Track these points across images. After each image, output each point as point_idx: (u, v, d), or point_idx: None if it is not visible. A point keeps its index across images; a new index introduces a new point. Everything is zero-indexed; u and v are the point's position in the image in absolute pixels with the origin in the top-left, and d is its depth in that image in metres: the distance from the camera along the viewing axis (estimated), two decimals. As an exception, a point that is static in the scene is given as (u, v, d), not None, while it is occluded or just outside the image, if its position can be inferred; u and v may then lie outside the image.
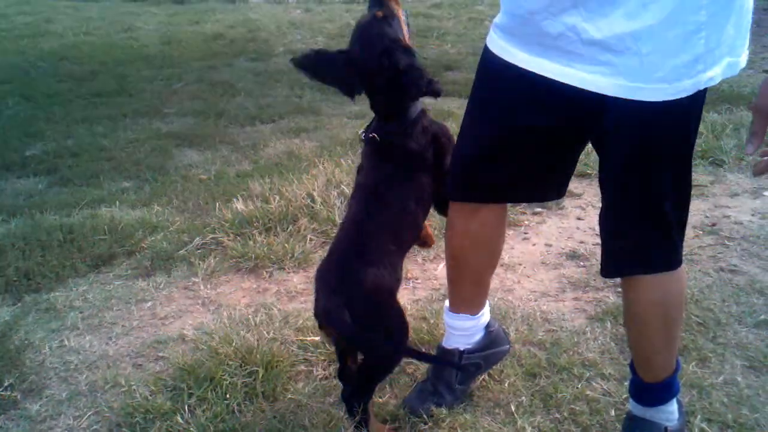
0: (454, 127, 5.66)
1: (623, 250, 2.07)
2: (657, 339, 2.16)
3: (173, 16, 13.50)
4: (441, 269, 3.52)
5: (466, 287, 2.50)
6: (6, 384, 2.68)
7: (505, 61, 2.01)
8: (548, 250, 3.72)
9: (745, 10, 1.78)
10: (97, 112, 6.89)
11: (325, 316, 2.16)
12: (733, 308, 3.06)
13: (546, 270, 3.51)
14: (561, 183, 2.34)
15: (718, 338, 2.87)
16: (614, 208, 2.06)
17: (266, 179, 4.63)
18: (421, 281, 3.44)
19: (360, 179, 2.37)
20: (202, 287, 3.41)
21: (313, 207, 4.05)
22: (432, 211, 2.48)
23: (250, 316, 3.08)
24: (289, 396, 2.55)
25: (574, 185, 4.56)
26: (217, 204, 4.23)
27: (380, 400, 2.50)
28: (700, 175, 4.64)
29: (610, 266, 2.13)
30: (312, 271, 3.48)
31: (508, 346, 2.63)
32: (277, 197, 4.14)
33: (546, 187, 2.32)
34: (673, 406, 2.27)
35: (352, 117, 6.60)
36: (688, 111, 1.82)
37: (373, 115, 2.42)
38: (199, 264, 3.59)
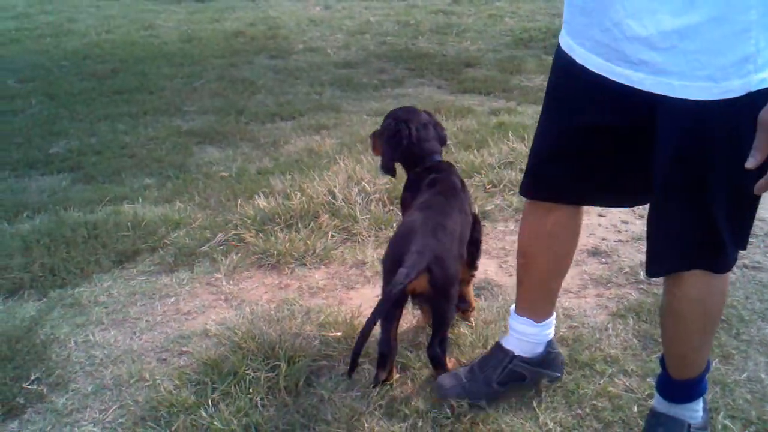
0: (474, 125, 5.69)
1: (667, 249, 2.04)
2: (694, 337, 2.15)
3: (194, 14, 13.58)
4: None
5: (532, 290, 2.49)
6: (33, 378, 2.72)
7: (570, 58, 2.01)
8: (569, 247, 3.71)
9: None
10: (118, 109, 6.95)
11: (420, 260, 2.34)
12: (757, 305, 3.04)
13: (567, 266, 3.51)
14: (636, 189, 2.18)
15: (741, 335, 2.86)
16: (658, 208, 2.02)
17: (287, 176, 4.65)
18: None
19: None
20: (224, 283, 3.44)
21: (334, 204, 4.06)
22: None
23: (272, 312, 3.10)
24: (312, 390, 2.57)
25: (595, 182, 4.55)
26: (239, 201, 4.26)
27: (402, 395, 2.51)
28: (722, 171, 4.61)
29: (654, 265, 2.10)
30: (333, 267, 3.53)
31: (559, 374, 2.59)
32: (299, 194, 4.16)
33: (617, 191, 2.22)
34: (698, 404, 2.26)
35: (372, 114, 6.61)
36: (739, 113, 1.74)
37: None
38: (221, 260, 3.62)
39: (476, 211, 2.89)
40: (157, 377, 2.69)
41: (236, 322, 3.04)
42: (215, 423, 2.38)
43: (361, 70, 8.77)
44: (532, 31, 10.77)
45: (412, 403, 2.46)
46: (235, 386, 2.54)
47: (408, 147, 2.88)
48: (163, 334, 3.02)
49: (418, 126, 2.91)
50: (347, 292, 3.34)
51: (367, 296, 3.26)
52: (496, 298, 3.20)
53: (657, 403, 2.31)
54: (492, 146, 5.13)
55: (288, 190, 4.28)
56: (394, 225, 3.87)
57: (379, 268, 3.39)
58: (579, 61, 1.97)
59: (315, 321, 3.01)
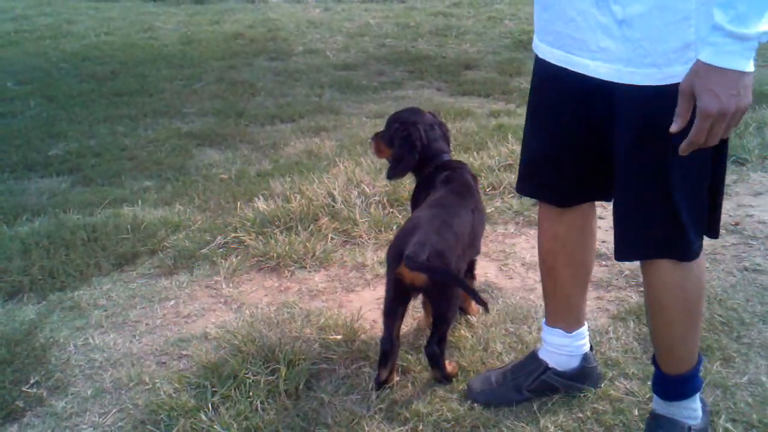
0: (474, 127, 5.68)
1: (631, 234, 2.07)
2: (677, 326, 2.15)
3: (193, 16, 13.58)
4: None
5: (558, 299, 2.49)
6: (32, 381, 2.71)
7: (541, 59, 2.11)
8: (570, 249, 3.70)
9: None
10: (118, 111, 6.95)
11: (419, 255, 2.36)
12: (758, 308, 3.03)
13: (567, 269, 3.50)
14: None
15: (742, 338, 2.85)
16: (621, 196, 2.07)
17: (287, 178, 4.65)
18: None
19: None
20: (224, 286, 3.43)
21: (333, 206, 4.06)
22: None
23: (272, 315, 3.10)
24: (312, 394, 2.56)
25: (595, 184, 4.54)
26: (239, 203, 4.25)
27: (403, 398, 2.50)
28: (722, 173, 4.61)
29: (620, 249, 2.13)
30: (333, 270, 3.53)
31: (595, 388, 2.55)
32: (298, 196, 4.16)
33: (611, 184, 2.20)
34: (696, 404, 2.26)
35: (372, 116, 6.61)
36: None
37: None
38: (221, 263, 3.61)
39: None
40: (156, 380, 2.69)
41: (236, 325, 3.03)
42: (215, 426, 2.37)
43: (360, 72, 8.77)
44: (531, 33, 10.66)
45: (413, 407, 2.46)
46: (235, 390, 2.54)
47: (421, 150, 2.91)
48: (163, 338, 3.02)
49: (426, 127, 2.93)
50: (347, 295, 3.33)
51: (367, 299, 3.26)
52: (496, 301, 3.20)
53: (655, 404, 2.31)
54: (491, 148, 5.13)
55: (287, 193, 4.28)
56: (394, 228, 3.87)
57: (380, 270, 3.40)
58: (544, 57, 2.07)
59: (315, 324, 3.00)
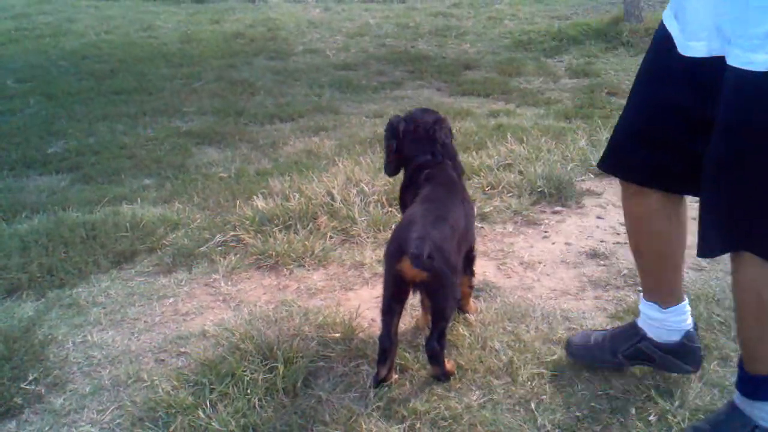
0: (473, 127, 5.69)
1: (713, 228, 2.07)
2: (749, 326, 2.14)
3: (193, 15, 13.59)
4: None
5: (649, 274, 2.50)
6: (30, 378, 2.71)
7: (666, 32, 2.10)
8: (568, 249, 3.71)
9: None
10: (117, 110, 6.96)
11: (419, 250, 2.37)
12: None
13: (566, 268, 3.51)
14: None
15: (739, 338, 2.85)
16: (707, 185, 2.05)
17: (286, 177, 4.66)
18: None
19: None
20: (222, 284, 3.44)
21: (332, 205, 4.06)
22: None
23: (270, 313, 3.10)
24: (310, 392, 2.56)
25: (594, 184, 4.56)
26: (238, 202, 4.26)
27: (400, 396, 2.50)
28: (721, 174, 4.62)
29: (702, 246, 2.14)
30: (331, 268, 3.53)
31: (692, 369, 2.52)
32: (297, 195, 4.16)
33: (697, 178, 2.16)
34: None
35: (371, 116, 6.62)
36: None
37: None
38: (220, 261, 3.62)
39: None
40: (155, 378, 2.69)
41: (234, 323, 3.03)
42: (213, 424, 2.37)
43: (360, 72, 8.78)
44: (531, 33, 10.77)
45: (410, 404, 2.46)
46: (233, 387, 2.54)
47: (397, 148, 2.98)
48: (161, 335, 3.02)
49: (407, 126, 2.98)
50: (345, 294, 3.33)
51: (366, 297, 3.26)
52: (494, 300, 3.20)
53: (735, 396, 2.28)
54: (491, 148, 5.13)
55: (287, 191, 4.28)
56: (392, 226, 3.87)
57: (378, 269, 3.40)
58: (673, 34, 2.07)
59: (313, 322, 3.00)
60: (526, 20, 12.29)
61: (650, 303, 2.51)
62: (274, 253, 3.64)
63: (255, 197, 4.26)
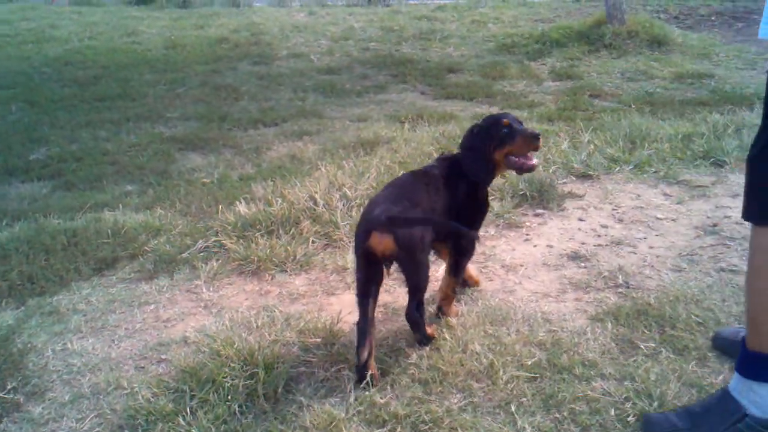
0: (456, 131, 5.71)
1: (751, 198, 2.15)
2: (760, 298, 2.15)
3: (177, 21, 13.56)
4: (442, 271, 3.53)
5: None
6: (9, 387, 2.70)
7: None
8: (549, 252, 3.72)
9: None
10: (100, 116, 6.93)
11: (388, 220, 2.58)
12: (734, 308, 3.05)
13: (547, 271, 3.52)
14: None
15: (718, 338, 2.87)
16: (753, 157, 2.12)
17: (269, 182, 4.66)
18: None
19: None
20: (204, 290, 3.43)
21: (315, 209, 4.06)
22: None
23: (252, 319, 3.09)
24: (291, 397, 2.56)
25: (576, 186, 4.58)
26: (220, 207, 4.25)
27: (381, 400, 2.50)
28: (701, 175, 4.65)
29: (744, 211, 2.20)
30: (313, 273, 3.53)
31: None
32: (280, 200, 4.16)
33: None
34: (765, 394, 2.18)
35: (355, 120, 6.63)
36: None
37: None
38: (201, 267, 3.61)
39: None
40: (135, 385, 2.68)
41: (215, 329, 3.03)
42: (193, 431, 2.37)
43: (344, 76, 8.78)
44: (515, 36, 10.81)
45: (391, 409, 2.46)
46: (213, 393, 2.53)
47: None
48: (142, 342, 3.01)
49: None
50: (327, 298, 3.33)
51: (348, 302, 3.26)
52: (476, 303, 3.20)
53: (731, 380, 2.28)
54: (473, 152, 5.13)
55: (269, 197, 4.27)
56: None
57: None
58: None
59: (295, 327, 3.00)
60: (510, 23, 12.34)
61: None
62: (256, 258, 3.63)
63: (237, 202, 4.25)
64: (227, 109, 7.18)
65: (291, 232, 3.89)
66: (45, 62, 9.77)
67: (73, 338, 3.06)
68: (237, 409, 2.47)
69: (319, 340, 2.88)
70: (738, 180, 4.57)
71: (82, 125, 6.61)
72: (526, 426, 2.37)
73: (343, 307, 3.18)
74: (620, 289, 3.27)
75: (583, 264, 3.56)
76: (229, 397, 2.51)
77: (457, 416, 2.42)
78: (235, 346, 2.76)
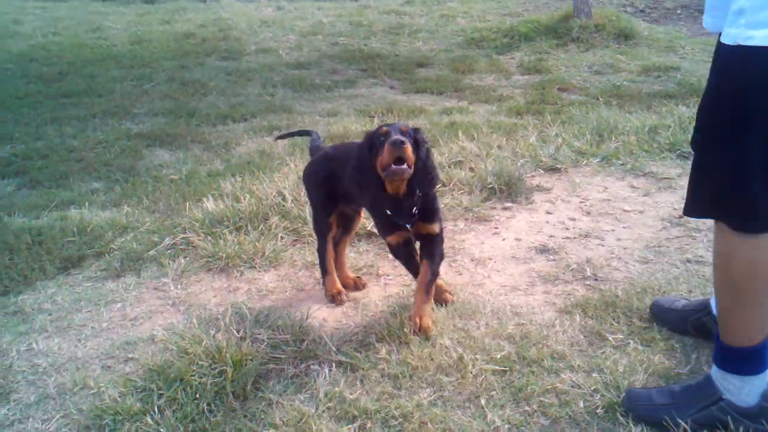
0: (426, 125, 5.71)
1: (695, 191, 2.18)
2: (720, 296, 2.22)
3: (143, 16, 13.41)
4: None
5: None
6: (-27, 389, 2.66)
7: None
8: (518, 245, 3.74)
9: None
10: (66, 113, 6.84)
11: None
12: (700, 298, 3.08)
13: (516, 264, 3.53)
14: None
15: (684, 328, 2.90)
16: (697, 149, 2.16)
17: (237, 178, 4.62)
18: (393, 277, 3.45)
19: None
20: (172, 287, 3.40)
21: (284, 205, 4.04)
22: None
23: (220, 316, 3.06)
24: (260, 394, 2.55)
25: (544, 179, 4.60)
26: (188, 204, 4.21)
27: (351, 396, 2.50)
28: (668, 167, 4.70)
29: (685, 206, 2.23)
30: (283, 269, 3.52)
31: None
32: (248, 196, 4.13)
33: None
34: (739, 383, 2.23)
35: (324, 115, 6.61)
36: (742, 67, 1.92)
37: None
38: (169, 264, 3.58)
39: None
40: (101, 385, 2.65)
41: (183, 327, 3.00)
42: (161, 430, 2.35)
43: (313, 71, 8.75)
44: (483, 31, 10.84)
45: (361, 404, 2.45)
46: (181, 392, 2.51)
47: None
48: (109, 341, 2.97)
49: None
50: (297, 294, 3.32)
51: (318, 297, 3.25)
52: (445, 297, 3.21)
53: (712, 367, 2.34)
54: (442, 146, 5.15)
55: (238, 193, 4.25)
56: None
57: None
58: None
59: (264, 324, 2.98)
60: (478, 18, 12.37)
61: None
62: (224, 255, 3.61)
63: (205, 199, 4.22)
64: (195, 104, 7.12)
65: (259, 228, 3.86)
66: (8, 58, 9.61)
67: (38, 338, 3.02)
68: (205, 407, 2.45)
69: (288, 336, 2.86)
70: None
71: (47, 122, 6.52)
72: (496, 419, 2.38)
73: (312, 303, 3.17)
74: (588, 282, 3.30)
75: (551, 257, 3.58)
76: (198, 396, 2.49)
77: (427, 410, 2.42)
78: (203, 343, 2.74)
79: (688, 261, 3.45)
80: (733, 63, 1.96)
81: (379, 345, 2.80)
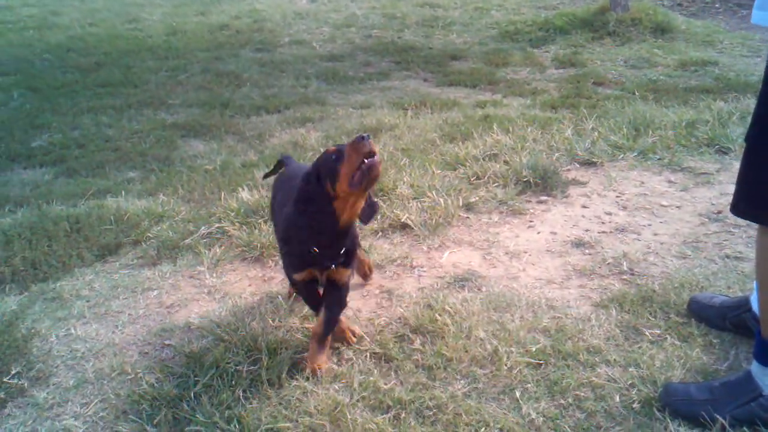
0: (460, 118, 5.69)
1: (739, 191, 2.20)
2: (763, 290, 2.21)
3: (178, 7, 13.50)
4: (446, 257, 3.53)
5: None
6: (13, 372, 2.70)
7: None
8: (553, 238, 3.71)
9: None
10: (102, 102, 6.91)
11: None
12: (739, 295, 3.04)
13: (551, 258, 3.51)
14: None
15: (723, 325, 2.86)
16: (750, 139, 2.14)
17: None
18: (426, 269, 3.44)
19: None
20: (207, 276, 3.42)
21: (318, 196, 4.04)
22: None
23: (255, 305, 3.09)
24: (294, 383, 2.56)
25: (579, 173, 4.56)
26: (223, 194, 4.24)
27: (385, 386, 2.50)
28: (706, 162, 4.64)
29: (731, 205, 2.26)
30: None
31: None
32: (283, 187, 4.14)
33: None
34: None
35: (358, 107, 6.60)
36: None
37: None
38: (204, 253, 3.60)
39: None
40: (139, 370, 2.68)
41: (219, 315, 3.03)
42: (197, 416, 2.37)
43: (346, 63, 8.74)
44: (518, 23, 10.74)
45: (395, 394, 2.46)
46: (217, 379, 2.54)
47: None
48: (146, 328, 3.01)
49: None
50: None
51: (351, 288, 3.25)
52: (480, 290, 3.20)
53: (752, 363, 2.33)
54: (477, 138, 5.13)
55: (272, 183, 4.26)
56: (378, 217, 3.87)
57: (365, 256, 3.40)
58: None
59: (298, 313, 3.00)
60: (513, 10, 12.27)
61: None
62: (259, 244, 3.63)
63: (240, 189, 4.25)
64: (229, 95, 7.15)
65: (294, 218, 3.87)
66: (47, 49, 9.73)
67: (76, 324, 3.06)
68: (241, 394, 2.47)
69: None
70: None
71: (84, 112, 6.60)
72: (531, 412, 2.37)
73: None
74: (625, 276, 3.27)
75: (587, 251, 3.55)
76: (233, 383, 2.52)
77: (462, 402, 2.42)
78: (239, 332, 2.77)
79: (727, 257, 3.40)
80: None
81: (413, 336, 2.81)
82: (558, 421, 2.34)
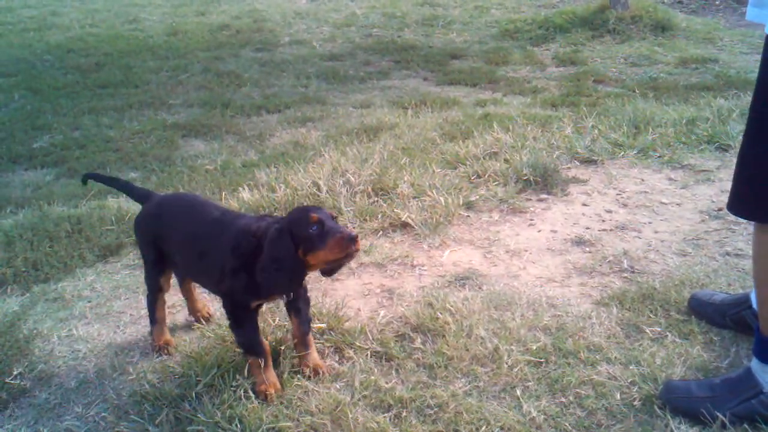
0: (459, 116, 5.69)
1: (733, 188, 2.21)
2: (761, 286, 2.23)
3: (178, 8, 13.49)
4: (447, 256, 3.53)
5: None
6: (15, 373, 2.71)
7: None
8: (554, 236, 3.72)
9: None
10: (103, 103, 6.92)
11: None
12: (739, 292, 3.04)
13: (552, 256, 3.51)
14: None
15: (723, 322, 2.86)
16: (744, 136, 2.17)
17: (272, 168, 4.65)
18: (427, 268, 3.44)
19: None
20: (208, 276, 3.42)
21: (318, 195, 4.06)
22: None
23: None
24: (296, 382, 2.56)
25: (580, 171, 4.56)
26: (224, 193, 4.25)
27: (386, 385, 2.51)
28: (706, 160, 4.64)
29: (729, 201, 2.25)
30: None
31: None
32: (283, 186, 4.16)
33: None
34: None
35: (358, 106, 6.61)
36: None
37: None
38: (205, 253, 3.60)
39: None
40: (140, 371, 2.69)
41: (220, 314, 3.02)
42: (199, 415, 2.37)
43: (347, 63, 8.75)
44: (518, 22, 10.73)
45: (396, 393, 2.46)
46: (218, 379, 2.54)
47: None
48: (147, 328, 3.00)
49: None
50: (332, 284, 3.32)
51: (352, 287, 3.26)
52: (480, 288, 3.20)
53: (752, 360, 2.34)
54: (477, 137, 5.14)
55: (273, 183, 4.27)
56: (379, 216, 3.88)
57: (364, 258, 3.40)
58: None
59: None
60: (513, 9, 12.27)
61: None
62: (260, 244, 3.62)
63: (241, 189, 4.26)
64: (230, 95, 7.16)
65: (295, 218, 3.88)
66: (47, 49, 9.74)
67: (78, 324, 3.07)
68: (242, 394, 2.47)
69: (323, 325, 2.88)
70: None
71: (84, 112, 6.61)
72: (532, 410, 2.37)
73: (347, 293, 3.19)
74: (625, 274, 3.27)
75: (587, 249, 3.56)
76: (235, 383, 2.52)
77: (462, 400, 2.43)
78: (240, 331, 2.77)
79: (727, 254, 3.41)
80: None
81: (414, 335, 2.81)
82: (559, 419, 2.34)
